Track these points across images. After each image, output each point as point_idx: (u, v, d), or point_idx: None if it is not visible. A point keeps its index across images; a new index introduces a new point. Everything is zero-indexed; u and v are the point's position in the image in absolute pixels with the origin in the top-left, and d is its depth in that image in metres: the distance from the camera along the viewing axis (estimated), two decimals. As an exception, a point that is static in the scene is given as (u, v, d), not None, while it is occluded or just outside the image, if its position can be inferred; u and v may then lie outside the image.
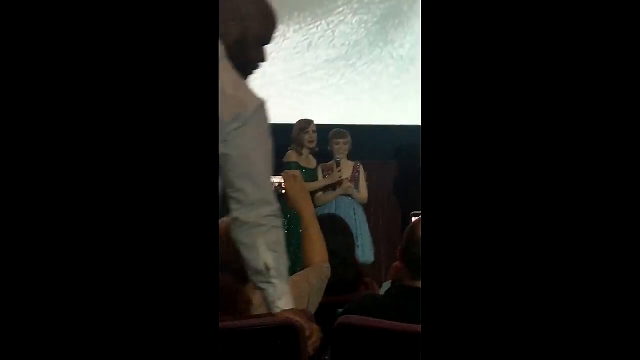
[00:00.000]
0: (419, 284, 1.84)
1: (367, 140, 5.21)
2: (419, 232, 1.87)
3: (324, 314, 1.91)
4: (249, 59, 1.77)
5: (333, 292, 2.08)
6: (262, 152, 1.67)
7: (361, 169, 4.92)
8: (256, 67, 1.81)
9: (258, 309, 1.82)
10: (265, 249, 1.65)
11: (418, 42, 5.83)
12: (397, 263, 2.14)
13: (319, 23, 5.65)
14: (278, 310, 1.65)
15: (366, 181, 4.93)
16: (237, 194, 1.65)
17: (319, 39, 5.68)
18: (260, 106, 1.67)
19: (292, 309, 1.66)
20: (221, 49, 1.71)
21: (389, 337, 1.66)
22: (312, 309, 1.91)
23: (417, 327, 1.45)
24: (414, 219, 2.30)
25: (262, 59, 1.80)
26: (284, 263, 1.68)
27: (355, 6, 5.79)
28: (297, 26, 5.61)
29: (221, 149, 1.60)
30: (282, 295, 1.65)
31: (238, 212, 1.66)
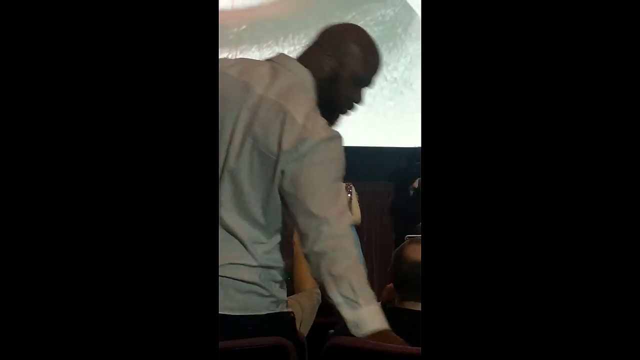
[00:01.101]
0: (407, 305, 1.85)
1: (360, 162, 5.21)
2: (406, 254, 1.88)
3: (314, 335, 1.91)
4: (341, 97, 1.67)
5: (321, 313, 2.09)
6: (320, 183, 1.53)
7: (353, 191, 4.91)
8: (350, 107, 1.70)
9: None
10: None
11: (411, 64, 5.87)
12: (390, 285, 2.15)
13: (313, 45, 5.67)
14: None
15: (358, 203, 4.94)
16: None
17: (314, 60, 5.70)
18: (329, 139, 1.55)
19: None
20: (310, 80, 1.65)
21: (379, 359, 1.66)
22: (304, 332, 1.93)
23: (406, 349, 1.46)
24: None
25: (357, 100, 1.69)
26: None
27: (350, 29, 5.82)
28: (292, 48, 5.64)
29: (278, 180, 1.53)
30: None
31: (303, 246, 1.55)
